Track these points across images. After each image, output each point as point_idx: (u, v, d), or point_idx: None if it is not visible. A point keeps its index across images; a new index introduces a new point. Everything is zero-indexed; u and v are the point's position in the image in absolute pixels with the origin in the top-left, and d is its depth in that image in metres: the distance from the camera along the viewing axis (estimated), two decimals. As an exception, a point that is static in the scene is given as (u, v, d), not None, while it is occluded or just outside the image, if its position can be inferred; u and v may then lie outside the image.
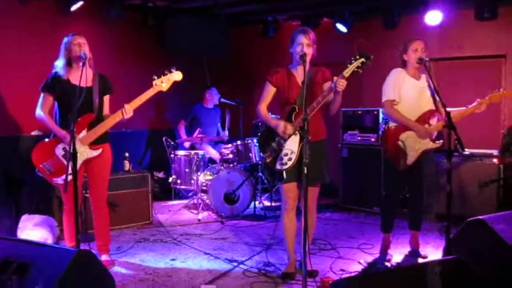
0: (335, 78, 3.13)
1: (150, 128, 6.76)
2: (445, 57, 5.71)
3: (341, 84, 3.09)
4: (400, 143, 3.65)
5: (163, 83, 3.50)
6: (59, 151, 3.49)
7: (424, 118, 3.65)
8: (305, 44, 3.27)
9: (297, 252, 3.52)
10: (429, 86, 3.70)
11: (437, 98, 3.49)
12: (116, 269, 3.66)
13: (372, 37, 6.07)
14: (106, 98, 3.70)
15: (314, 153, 3.07)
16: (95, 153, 3.53)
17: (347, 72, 3.11)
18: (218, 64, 7.30)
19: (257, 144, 5.51)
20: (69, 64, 3.50)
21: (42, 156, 3.48)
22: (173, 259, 3.94)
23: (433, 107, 3.68)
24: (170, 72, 3.53)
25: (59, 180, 3.46)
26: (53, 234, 4.21)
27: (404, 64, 3.75)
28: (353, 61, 3.11)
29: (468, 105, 3.67)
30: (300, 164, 3.18)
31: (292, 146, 3.32)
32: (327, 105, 3.32)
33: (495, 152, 4.93)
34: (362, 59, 3.09)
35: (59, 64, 3.52)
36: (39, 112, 3.54)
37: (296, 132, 3.32)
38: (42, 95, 3.57)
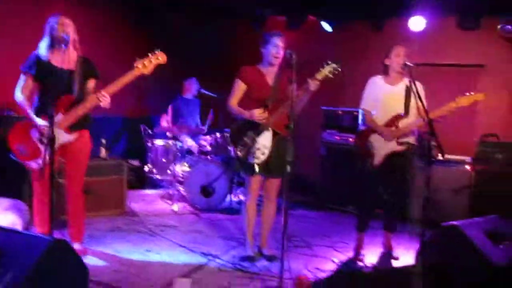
0: (309, 80, 3.39)
1: (127, 115, 6.61)
2: (424, 63, 5.78)
3: (314, 84, 3.39)
4: (369, 144, 3.83)
5: (146, 66, 3.32)
6: (35, 134, 3.36)
7: (392, 122, 3.77)
8: (280, 47, 3.51)
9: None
10: (412, 91, 3.75)
11: (419, 103, 3.54)
12: (90, 259, 3.58)
13: (357, 38, 6.11)
14: (92, 83, 3.54)
15: (283, 148, 3.24)
16: (70, 137, 3.40)
17: (319, 75, 3.39)
18: (203, 57, 7.19)
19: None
20: (52, 45, 3.35)
21: (17, 138, 3.37)
22: (148, 250, 3.89)
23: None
24: (154, 53, 3.36)
25: (33, 164, 3.36)
26: (22, 218, 4.07)
27: (385, 70, 3.81)
28: (325, 66, 3.39)
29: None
30: (270, 158, 3.55)
31: (265, 141, 3.55)
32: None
33: (468, 159, 5.04)
34: (333, 65, 3.38)
35: (42, 45, 3.38)
36: (17, 94, 3.39)
37: (269, 128, 3.53)
38: (22, 76, 3.41)
